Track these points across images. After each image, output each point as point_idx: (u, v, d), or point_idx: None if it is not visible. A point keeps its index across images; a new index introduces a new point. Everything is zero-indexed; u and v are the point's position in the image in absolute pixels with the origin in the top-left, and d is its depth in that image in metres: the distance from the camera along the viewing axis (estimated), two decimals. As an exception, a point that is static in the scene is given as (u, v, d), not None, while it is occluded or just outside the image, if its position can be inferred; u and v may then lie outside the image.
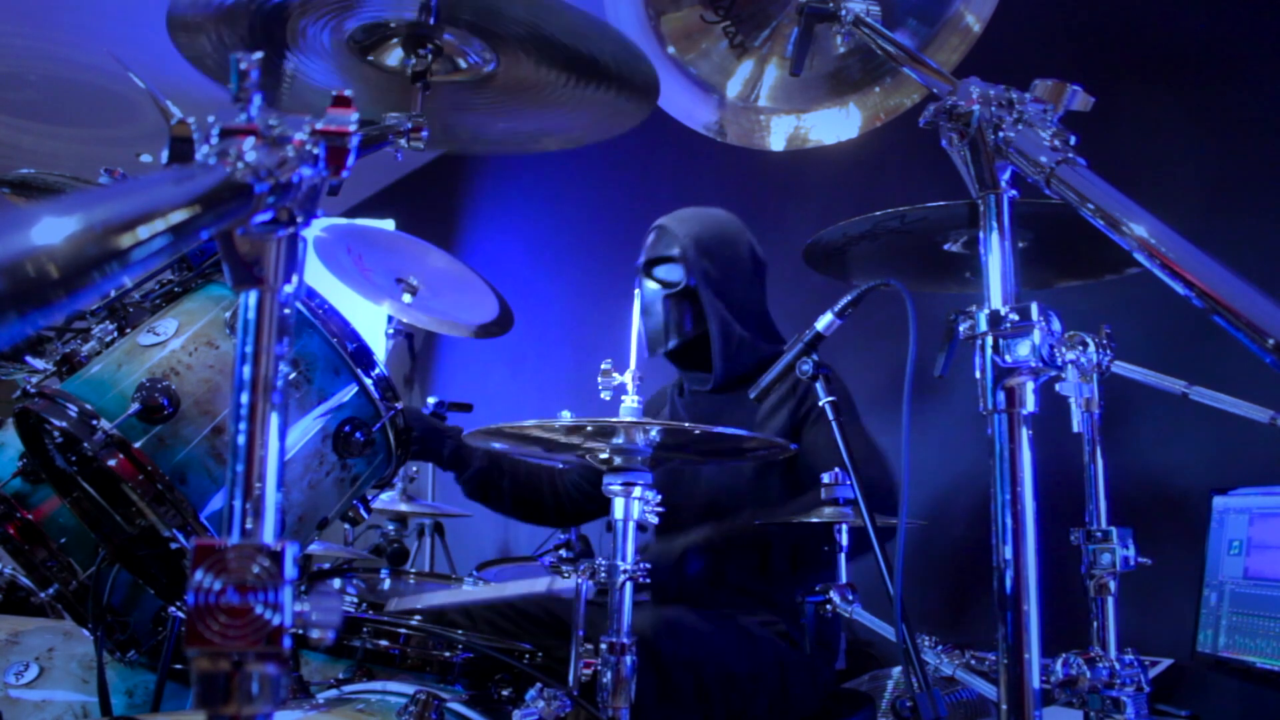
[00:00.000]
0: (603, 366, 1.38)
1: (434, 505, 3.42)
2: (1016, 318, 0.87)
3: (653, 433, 1.31)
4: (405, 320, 2.68)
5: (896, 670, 2.31)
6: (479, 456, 2.13)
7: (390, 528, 2.98)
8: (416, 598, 2.06)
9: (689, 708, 1.69)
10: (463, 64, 1.38)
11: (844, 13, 1.19)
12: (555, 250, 4.73)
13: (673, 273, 2.13)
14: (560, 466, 2.31)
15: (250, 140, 0.58)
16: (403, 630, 1.57)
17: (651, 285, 2.16)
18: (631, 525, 1.33)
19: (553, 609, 1.98)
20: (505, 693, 1.45)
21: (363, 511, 1.47)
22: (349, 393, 1.33)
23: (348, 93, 0.66)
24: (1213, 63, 2.46)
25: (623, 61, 1.33)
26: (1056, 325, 0.88)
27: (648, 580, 1.34)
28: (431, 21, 1.27)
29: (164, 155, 0.60)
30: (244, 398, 0.59)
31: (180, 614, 1.38)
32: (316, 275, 2.45)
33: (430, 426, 2.08)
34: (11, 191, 1.51)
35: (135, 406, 1.17)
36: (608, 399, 1.37)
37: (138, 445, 1.16)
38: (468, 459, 2.12)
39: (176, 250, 0.50)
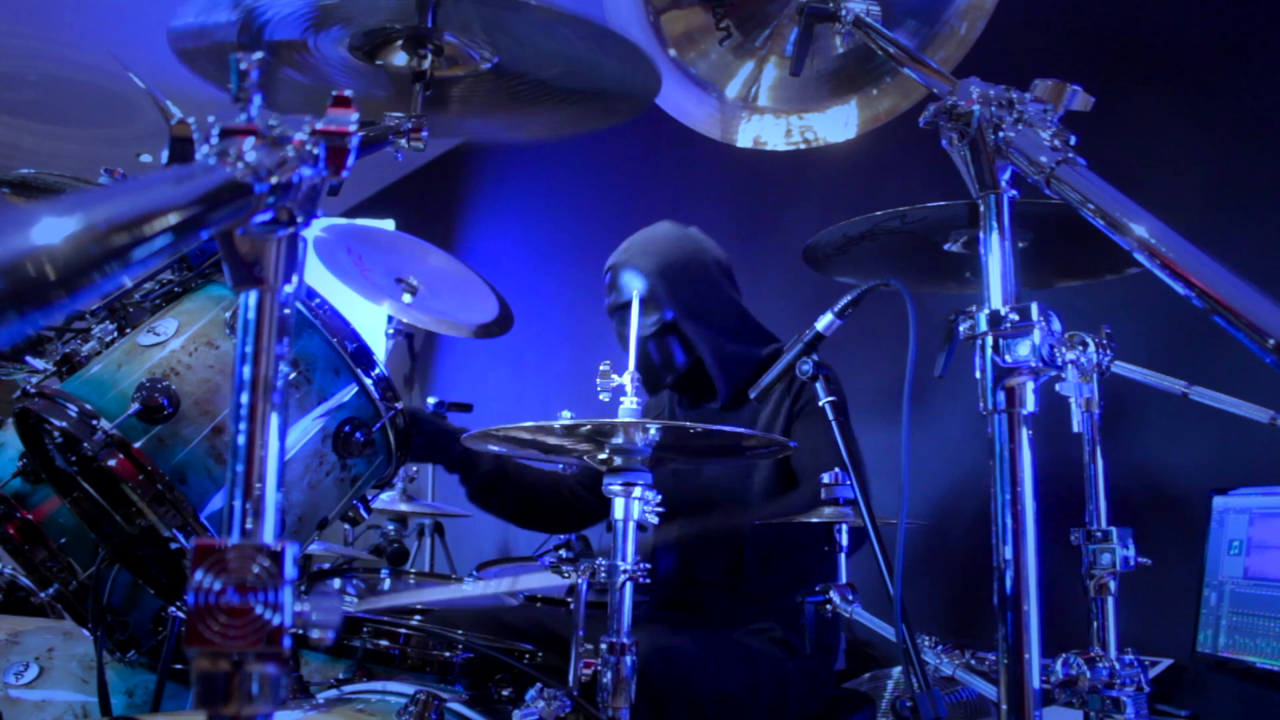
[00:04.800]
0: (601, 368, 1.38)
1: (434, 505, 3.42)
2: (1016, 318, 0.87)
3: (652, 432, 1.31)
4: (405, 320, 2.68)
5: (896, 670, 2.31)
6: (486, 460, 2.10)
7: (390, 528, 2.97)
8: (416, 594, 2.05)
9: None
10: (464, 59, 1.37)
11: (844, 13, 1.19)
12: (555, 250, 4.73)
13: (648, 313, 2.06)
14: (561, 470, 2.29)
15: (250, 140, 0.59)
16: (403, 630, 1.57)
17: (624, 329, 2.05)
18: (631, 525, 1.33)
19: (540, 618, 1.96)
20: (505, 693, 1.45)
21: (363, 511, 1.47)
22: (349, 393, 1.33)
23: (348, 93, 0.66)
24: (1213, 63, 2.46)
25: (623, 58, 1.32)
26: (1056, 325, 0.88)
27: (648, 580, 1.33)
28: (430, 25, 1.27)
29: (164, 155, 0.60)
30: (244, 398, 0.59)
31: (180, 614, 1.38)
32: (316, 275, 2.45)
33: (439, 428, 2.04)
34: (11, 191, 1.51)
35: (135, 406, 1.17)
36: (606, 400, 1.37)
37: (138, 445, 1.16)
38: (475, 462, 2.09)
39: (177, 250, 0.50)
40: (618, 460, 1.33)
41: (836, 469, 1.61)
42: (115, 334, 1.39)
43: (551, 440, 1.42)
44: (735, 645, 1.84)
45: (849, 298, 1.49)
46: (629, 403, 1.35)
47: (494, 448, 1.51)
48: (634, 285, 2.07)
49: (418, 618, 1.86)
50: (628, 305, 2.06)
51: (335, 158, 0.64)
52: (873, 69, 1.42)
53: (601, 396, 1.37)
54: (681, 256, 2.10)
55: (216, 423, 1.21)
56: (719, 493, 2.03)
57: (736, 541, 1.97)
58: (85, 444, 1.15)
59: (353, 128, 0.65)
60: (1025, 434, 0.86)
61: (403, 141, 1.22)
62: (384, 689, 1.34)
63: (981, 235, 0.92)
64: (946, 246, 1.51)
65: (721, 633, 1.87)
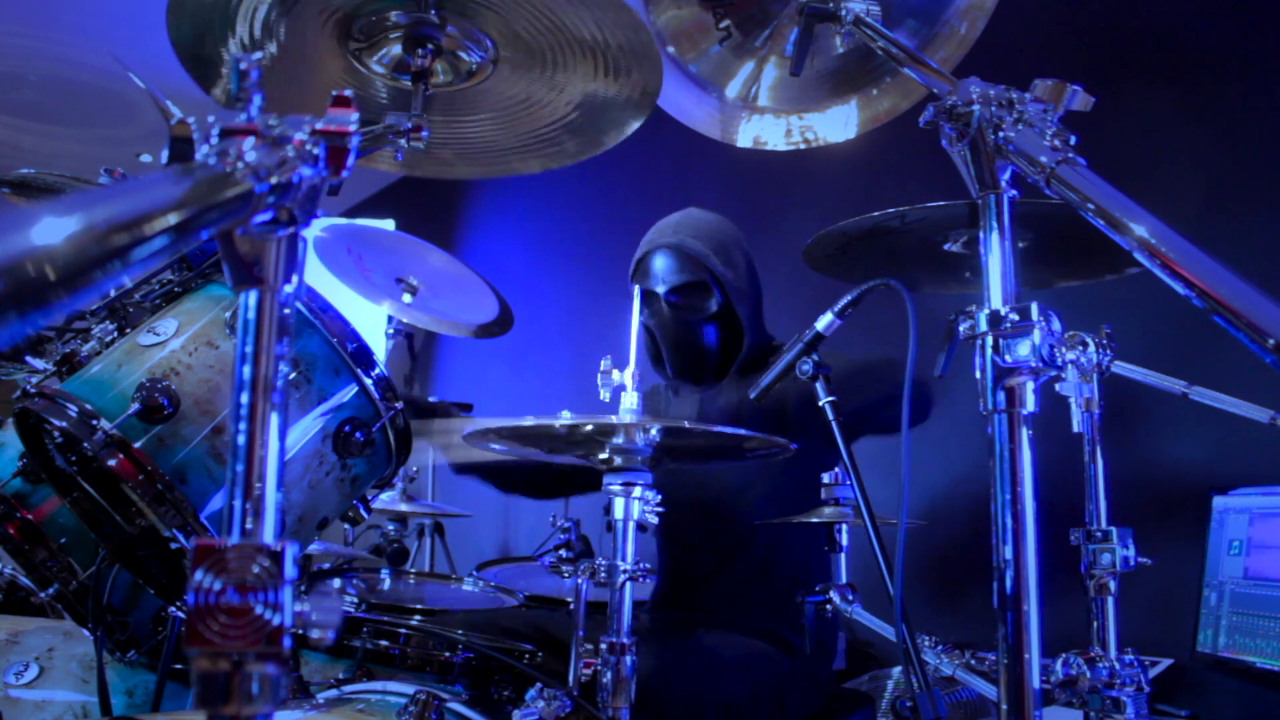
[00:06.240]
0: (602, 365, 1.38)
1: (434, 505, 3.41)
2: (1016, 318, 0.87)
3: (652, 432, 1.30)
4: (405, 320, 2.68)
5: (896, 670, 2.31)
6: None
7: (390, 528, 2.97)
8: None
9: None
10: (464, 55, 1.36)
11: (844, 13, 1.19)
12: (555, 250, 4.73)
13: (704, 296, 1.97)
14: None
15: (250, 140, 0.59)
16: (403, 630, 1.57)
17: (674, 312, 1.98)
18: (631, 525, 1.32)
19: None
20: (505, 693, 1.45)
21: (363, 511, 1.47)
22: (349, 393, 1.33)
23: (348, 93, 0.66)
24: (1213, 63, 2.46)
25: (622, 46, 1.30)
26: (1056, 325, 0.88)
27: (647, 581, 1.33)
28: (432, 14, 1.26)
29: (164, 155, 0.60)
30: (244, 398, 0.59)
31: (180, 614, 1.38)
32: (316, 275, 2.45)
33: None
34: (11, 191, 1.51)
35: (135, 406, 1.17)
36: (607, 399, 1.37)
37: (138, 445, 1.16)
38: None
39: (177, 250, 0.50)
40: (618, 460, 1.33)
41: (837, 469, 1.61)
42: (115, 334, 1.38)
43: (552, 439, 1.41)
44: (734, 649, 1.83)
45: (849, 298, 1.49)
46: (629, 400, 1.35)
47: (496, 446, 1.51)
48: (686, 266, 1.96)
49: (418, 618, 1.86)
50: (673, 289, 1.96)
51: (335, 158, 0.64)
52: (873, 69, 1.42)
53: (602, 394, 1.37)
54: (730, 236, 2.01)
55: (216, 423, 1.21)
56: (734, 496, 2.02)
57: (740, 539, 1.97)
58: (85, 444, 1.15)
59: (353, 128, 0.65)
60: (1025, 434, 0.86)
61: (403, 141, 1.22)
62: (384, 689, 1.34)
63: (981, 235, 0.92)
64: (946, 246, 1.51)
65: (720, 635, 1.87)
